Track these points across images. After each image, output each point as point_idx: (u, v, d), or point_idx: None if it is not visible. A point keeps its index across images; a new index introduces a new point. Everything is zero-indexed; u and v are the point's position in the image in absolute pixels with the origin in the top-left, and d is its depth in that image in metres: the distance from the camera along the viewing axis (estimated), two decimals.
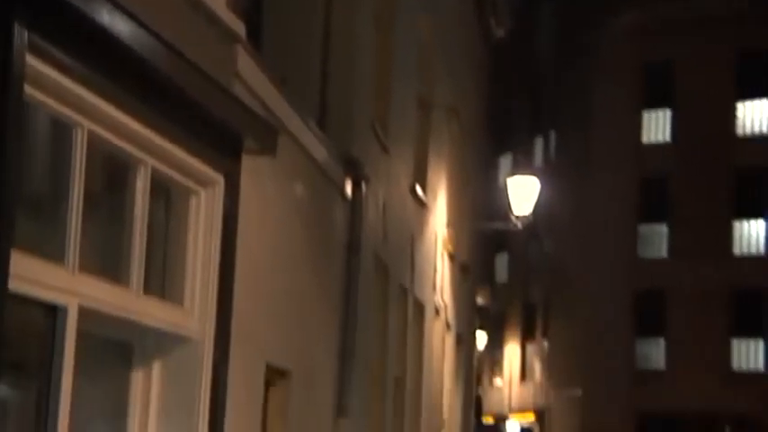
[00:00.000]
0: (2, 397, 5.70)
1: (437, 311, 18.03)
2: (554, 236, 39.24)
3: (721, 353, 34.81)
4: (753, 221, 37.15)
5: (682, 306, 35.69)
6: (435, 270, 17.91)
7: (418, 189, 16.22)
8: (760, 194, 35.86)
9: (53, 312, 6.18)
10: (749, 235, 37.28)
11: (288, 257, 9.61)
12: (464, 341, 21.77)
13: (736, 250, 36.93)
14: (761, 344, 34.51)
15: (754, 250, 36.95)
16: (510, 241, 39.62)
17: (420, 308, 16.42)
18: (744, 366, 34.94)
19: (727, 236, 36.70)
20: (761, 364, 34.40)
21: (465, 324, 21.87)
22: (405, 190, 15.59)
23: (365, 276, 12.18)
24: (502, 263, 41.62)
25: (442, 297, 18.50)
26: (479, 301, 25.45)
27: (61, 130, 6.18)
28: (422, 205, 16.81)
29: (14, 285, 5.52)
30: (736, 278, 35.09)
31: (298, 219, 9.94)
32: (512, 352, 41.07)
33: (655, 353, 36.46)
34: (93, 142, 6.26)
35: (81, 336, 6.40)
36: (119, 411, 7.54)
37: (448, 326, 19.41)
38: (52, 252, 6.18)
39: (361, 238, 11.81)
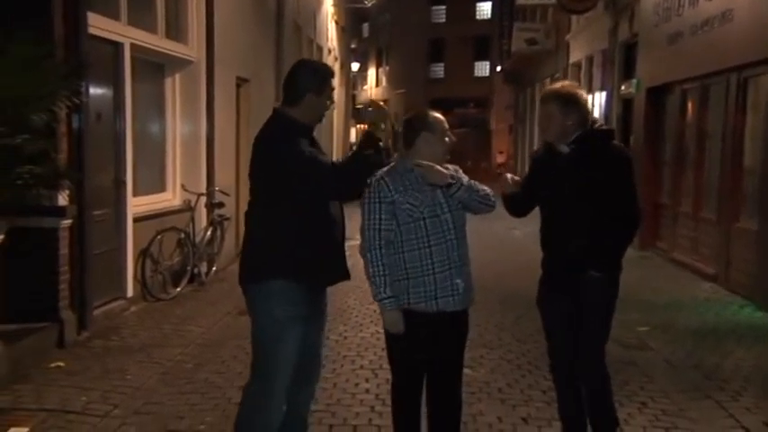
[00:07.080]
0: (96, 95, 5.52)
1: (329, 51, 17.52)
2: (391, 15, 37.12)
3: (469, 68, 35.57)
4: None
5: (451, 50, 35.87)
6: (327, 28, 17.28)
7: None
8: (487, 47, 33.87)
9: (116, 46, 6.00)
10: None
11: (244, 19, 9.25)
12: (345, 66, 21.31)
13: None
14: (487, 64, 34.49)
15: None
16: (367, 12, 37.09)
17: (320, 48, 15.96)
18: (479, 74, 35.55)
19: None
20: (486, 73, 34.73)
21: (346, 58, 21.34)
22: None
23: (287, 30, 11.77)
24: (365, 26, 39.21)
25: (332, 43, 17.95)
26: (353, 45, 24.68)
27: None
28: None
29: (92, 31, 5.33)
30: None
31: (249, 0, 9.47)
32: (371, 72, 40.50)
33: (439, 70, 36.91)
34: None
35: (133, 60, 6.23)
36: (160, 103, 7.45)
37: (336, 58, 18.95)
38: (113, 13, 5.90)
39: (285, 10, 11.35)
